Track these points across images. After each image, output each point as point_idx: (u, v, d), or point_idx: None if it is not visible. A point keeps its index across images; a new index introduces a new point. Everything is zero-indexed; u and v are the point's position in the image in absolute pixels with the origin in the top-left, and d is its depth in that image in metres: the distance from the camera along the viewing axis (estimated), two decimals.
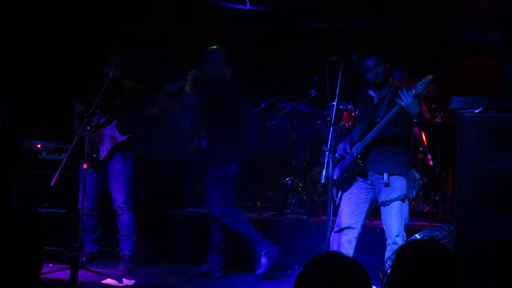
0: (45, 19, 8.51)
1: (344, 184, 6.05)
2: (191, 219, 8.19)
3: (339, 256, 2.60)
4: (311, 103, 8.92)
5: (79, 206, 6.83)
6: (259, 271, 6.99)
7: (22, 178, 7.68)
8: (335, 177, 5.99)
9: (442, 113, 8.41)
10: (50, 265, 6.50)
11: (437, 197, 8.32)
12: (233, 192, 7.08)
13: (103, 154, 7.09)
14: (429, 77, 5.56)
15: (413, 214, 8.01)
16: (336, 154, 5.98)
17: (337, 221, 5.99)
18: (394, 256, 2.97)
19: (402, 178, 5.85)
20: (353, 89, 6.36)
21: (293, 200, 8.65)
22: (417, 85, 5.55)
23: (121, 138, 7.10)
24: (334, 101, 5.90)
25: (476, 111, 4.91)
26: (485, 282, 4.51)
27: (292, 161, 8.94)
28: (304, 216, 8.12)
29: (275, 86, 7.75)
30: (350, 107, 8.06)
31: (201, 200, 9.50)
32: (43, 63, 8.65)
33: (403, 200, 5.82)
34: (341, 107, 8.04)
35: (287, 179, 8.63)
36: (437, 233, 6.03)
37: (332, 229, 5.88)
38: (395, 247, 5.71)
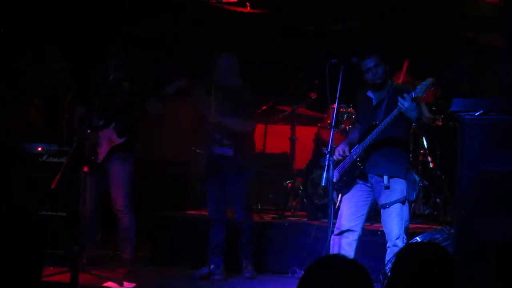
0: (45, 19, 8.51)
1: (344, 187, 6.04)
2: (191, 222, 8.18)
3: (341, 258, 2.61)
4: (311, 106, 8.92)
5: (80, 208, 6.88)
6: (251, 275, 7.17)
7: (22, 179, 7.68)
8: (334, 180, 5.99)
9: (442, 116, 8.40)
10: (51, 268, 6.49)
11: (438, 200, 8.31)
12: None
13: (101, 157, 7.08)
14: (430, 80, 5.55)
15: (414, 216, 8.01)
16: (335, 156, 5.97)
17: (337, 223, 5.99)
18: (394, 259, 2.97)
19: (402, 180, 5.84)
20: (354, 92, 6.35)
21: (294, 203, 8.65)
22: (417, 88, 5.54)
23: (118, 141, 7.08)
24: (334, 103, 5.90)
25: (476, 114, 4.91)
26: (486, 284, 4.51)
27: (293, 163, 8.94)
28: (305, 219, 8.11)
29: (276, 88, 7.75)
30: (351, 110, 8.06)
31: (201, 203, 9.53)
32: (43, 64, 8.66)
33: (403, 203, 5.82)
34: (342, 109, 8.04)
35: (287, 181, 8.63)
36: (438, 235, 6.03)
37: (332, 231, 5.88)
38: (396, 249, 5.70)
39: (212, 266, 7.12)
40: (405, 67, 8.24)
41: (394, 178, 5.85)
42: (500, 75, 6.57)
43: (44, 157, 7.70)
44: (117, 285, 6.39)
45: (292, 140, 9.01)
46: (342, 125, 8.08)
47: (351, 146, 6.08)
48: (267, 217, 8.27)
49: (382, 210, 5.90)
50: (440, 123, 8.46)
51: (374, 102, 6.02)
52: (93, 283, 6.39)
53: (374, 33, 8.93)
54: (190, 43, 9.20)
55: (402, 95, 5.58)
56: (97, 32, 8.72)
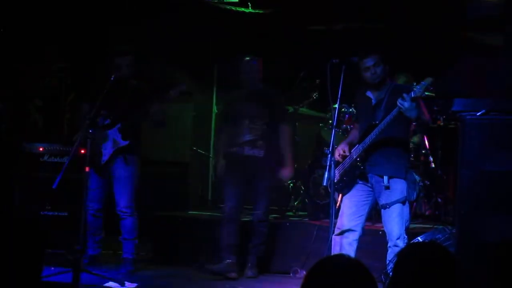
0: (45, 19, 8.51)
1: (345, 187, 6.04)
2: (192, 222, 8.19)
3: (345, 259, 2.61)
4: (313, 106, 8.92)
5: (83, 207, 6.90)
6: (253, 274, 7.23)
7: (23, 180, 7.68)
8: (334, 180, 6.00)
9: (443, 116, 8.40)
10: (52, 268, 6.50)
11: (439, 200, 8.31)
12: None
13: (105, 158, 7.08)
14: (429, 80, 5.54)
15: (415, 216, 8.02)
16: (335, 156, 5.97)
17: (338, 223, 5.99)
18: (395, 258, 2.97)
19: (402, 180, 5.84)
20: (355, 92, 6.35)
21: (295, 203, 8.65)
22: (416, 88, 5.53)
23: (122, 143, 7.07)
24: (336, 103, 5.90)
25: (477, 114, 4.91)
26: (487, 284, 4.51)
27: (294, 163, 8.94)
28: (306, 219, 8.11)
29: (277, 88, 7.73)
30: (352, 110, 8.06)
31: (202, 202, 9.55)
32: (43, 64, 8.66)
33: (403, 203, 5.82)
34: (343, 109, 8.04)
35: (289, 181, 8.63)
36: (439, 235, 6.03)
37: (333, 231, 5.88)
38: (397, 249, 5.72)
39: (228, 261, 7.12)
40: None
41: (394, 178, 5.85)
42: (500, 75, 6.56)
43: (45, 157, 7.70)
44: (119, 285, 6.38)
45: (294, 140, 9.00)
46: (344, 125, 8.08)
47: (351, 146, 6.09)
48: (269, 217, 8.26)
49: (382, 210, 5.90)
50: (441, 123, 8.46)
51: (374, 102, 6.01)
52: (94, 283, 6.39)
53: (374, 33, 8.93)
54: (190, 43, 9.19)
55: (402, 94, 5.58)
56: (97, 32, 8.71)
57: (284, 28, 9.40)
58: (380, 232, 6.51)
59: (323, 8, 8.89)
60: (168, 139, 9.07)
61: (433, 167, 8.38)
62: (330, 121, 8.15)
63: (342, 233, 5.96)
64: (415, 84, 5.71)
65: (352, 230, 5.96)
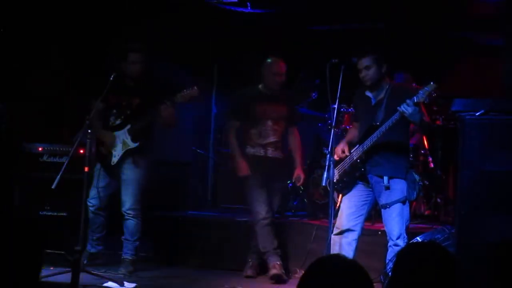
0: (46, 19, 8.51)
1: (345, 188, 6.04)
2: (192, 222, 8.19)
3: (341, 259, 2.61)
4: (312, 106, 8.92)
5: (88, 203, 6.98)
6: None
7: (23, 179, 7.68)
8: (334, 180, 6.01)
9: (443, 116, 8.41)
10: (52, 268, 6.50)
11: (438, 200, 8.31)
12: None
13: (115, 159, 7.05)
14: (432, 86, 5.52)
15: (414, 216, 8.02)
16: (334, 156, 5.98)
17: (337, 223, 5.99)
18: (395, 258, 2.97)
19: (402, 180, 5.85)
20: (354, 91, 6.35)
21: (295, 203, 8.64)
22: (419, 93, 5.52)
23: (132, 145, 7.05)
24: (335, 103, 5.90)
25: (477, 114, 4.91)
26: (486, 284, 4.51)
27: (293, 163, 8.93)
28: (305, 219, 8.11)
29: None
30: (351, 110, 8.05)
31: (202, 203, 9.54)
32: (43, 64, 8.66)
33: (403, 202, 5.83)
34: (342, 109, 8.04)
35: (288, 181, 8.62)
36: (438, 235, 6.03)
37: (332, 231, 5.88)
38: (397, 249, 5.72)
39: (277, 263, 7.12)
40: None
41: (394, 179, 5.85)
42: (501, 75, 6.56)
43: (45, 157, 7.70)
44: (118, 285, 6.38)
45: None
46: (342, 125, 8.09)
47: (350, 145, 6.09)
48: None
49: (382, 210, 5.91)
50: (441, 123, 8.46)
51: (373, 102, 6.01)
52: (94, 283, 6.39)
53: (374, 33, 8.93)
54: (190, 43, 9.19)
55: (402, 96, 5.58)
56: (99, 32, 8.71)
57: (283, 28, 9.40)
58: (380, 232, 6.51)
59: (322, 8, 8.88)
60: (168, 139, 9.05)
61: (432, 167, 8.38)
62: (329, 121, 8.15)
63: (341, 233, 5.96)
64: (414, 84, 5.72)
65: (351, 230, 5.97)
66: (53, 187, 6.17)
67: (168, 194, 8.76)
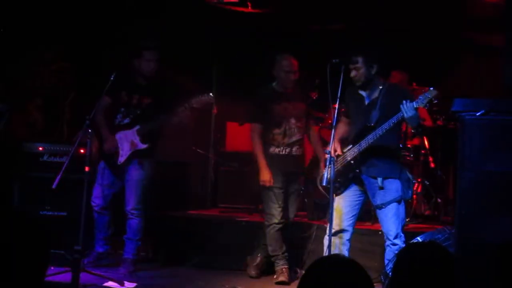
0: (46, 19, 8.51)
1: (339, 188, 6.02)
2: (192, 222, 8.19)
3: (341, 259, 2.61)
4: (312, 106, 8.90)
5: (92, 203, 7.04)
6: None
7: (23, 179, 7.68)
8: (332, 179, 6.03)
9: (443, 116, 8.41)
10: (52, 268, 6.48)
11: (439, 200, 8.32)
12: None
13: (121, 159, 7.04)
14: (433, 92, 5.52)
15: (415, 216, 8.03)
16: (327, 156, 5.98)
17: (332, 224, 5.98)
18: (395, 259, 2.97)
19: (397, 180, 5.86)
20: (346, 89, 6.33)
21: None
22: (419, 98, 5.52)
23: (141, 146, 7.03)
24: (335, 103, 5.89)
25: (477, 114, 4.91)
26: (487, 285, 4.51)
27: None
28: (305, 219, 8.10)
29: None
30: None
31: (202, 203, 9.53)
32: (43, 64, 8.66)
33: (399, 202, 5.84)
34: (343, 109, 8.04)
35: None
36: (439, 235, 6.03)
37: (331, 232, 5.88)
38: (395, 248, 5.76)
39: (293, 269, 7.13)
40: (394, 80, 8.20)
41: (389, 179, 5.87)
42: (501, 76, 6.56)
43: (45, 157, 7.70)
44: (118, 285, 6.38)
45: None
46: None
47: (342, 144, 6.05)
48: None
49: (378, 210, 5.92)
50: (441, 123, 8.47)
51: (367, 101, 6.00)
52: (94, 283, 6.39)
53: (373, 34, 8.92)
54: (190, 43, 9.19)
55: (398, 97, 5.60)
56: (98, 31, 8.71)
57: (283, 28, 9.39)
58: (380, 233, 6.50)
59: (322, 8, 8.88)
60: (168, 139, 9.05)
61: (433, 167, 8.38)
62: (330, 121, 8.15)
63: (336, 233, 5.95)
64: (414, 84, 5.72)
65: (345, 230, 5.99)
66: (53, 187, 6.18)
67: (168, 194, 8.76)
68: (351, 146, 5.96)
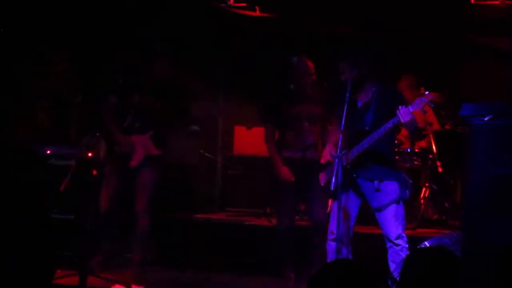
0: (52, 19, 8.53)
1: (335, 193, 5.95)
2: (199, 225, 8.19)
3: (348, 263, 2.61)
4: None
5: (100, 206, 7.01)
6: None
7: (30, 182, 7.69)
8: (321, 184, 6.07)
9: (451, 120, 8.40)
10: (59, 271, 6.49)
11: (446, 204, 8.30)
12: None
13: (134, 163, 7.05)
14: (430, 96, 5.52)
15: (422, 221, 8.01)
16: (322, 160, 5.97)
17: (331, 229, 5.96)
18: (403, 263, 2.96)
19: (393, 182, 5.85)
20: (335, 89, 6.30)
21: (302, 207, 8.62)
22: (415, 102, 5.51)
23: (155, 152, 7.06)
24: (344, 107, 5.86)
25: (486, 118, 4.89)
26: None
27: None
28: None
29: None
30: None
31: (208, 205, 9.53)
32: (50, 65, 8.67)
33: (397, 203, 5.82)
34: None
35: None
36: (447, 240, 6.02)
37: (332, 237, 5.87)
38: (397, 248, 5.78)
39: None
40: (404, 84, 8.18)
41: (385, 181, 5.85)
42: (506, 78, 6.57)
43: (53, 160, 7.71)
44: None
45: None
46: None
47: (336, 146, 5.98)
48: (276, 221, 8.24)
49: (376, 213, 5.90)
50: (449, 128, 8.45)
51: (359, 104, 5.98)
52: (101, 286, 6.39)
53: (379, 35, 8.91)
54: (196, 45, 9.20)
55: (392, 101, 5.62)
56: (105, 33, 8.72)
57: (292, 31, 9.39)
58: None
59: (329, 12, 8.87)
60: (175, 142, 9.05)
61: (440, 172, 8.35)
62: None
63: (337, 238, 5.90)
64: (422, 89, 5.70)
65: (347, 234, 5.95)
66: (61, 189, 6.19)
67: (176, 197, 8.76)
68: (346, 150, 5.89)
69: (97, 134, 6.44)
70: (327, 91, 7.09)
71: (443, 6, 8.47)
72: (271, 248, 7.27)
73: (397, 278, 5.47)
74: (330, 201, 6.08)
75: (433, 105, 5.68)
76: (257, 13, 9.20)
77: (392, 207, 5.82)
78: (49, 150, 7.73)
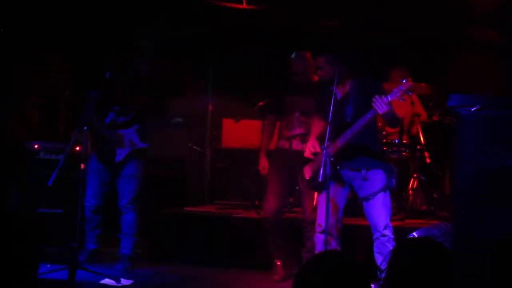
0: (46, 19, 8.50)
1: (320, 186, 5.95)
2: (190, 219, 8.19)
3: (337, 255, 2.61)
4: None
5: (86, 203, 6.98)
6: None
7: (18, 176, 7.67)
8: (307, 177, 6.05)
9: (439, 111, 8.42)
10: (48, 265, 6.49)
11: (435, 195, 8.32)
12: None
13: (120, 157, 7.03)
14: (407, 84, 5.53)
15: (411, 212, 8.03)
16: (305, 154, 5.96)
17: (318, 221, 5.97)
18: (391, 254, 2.97)
19: (380, 170, 5.87)
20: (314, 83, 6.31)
21: (290, 199, 8.62)
22: (393, 91, 5.51)
23: (141, 145, 7.06)
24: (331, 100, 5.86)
25: (473, 109, 4.91)
26: (483, 280, 4.51)
27: None
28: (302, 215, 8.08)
29: (273, 85, 7.73)
30: None
31: (200, 199, 9.53)
32: (42, 64, 8.65)
33: (384, 191, 5.83)
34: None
35: None
36: (435, 231, 6.03)
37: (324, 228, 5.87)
38: (384, 239, 5.77)
39: (278, 263, 7.04)
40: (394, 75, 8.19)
41: (372, 170, 5.87)
42: (499, 72, 6.59)
43: (41, 154, 7.69)
44: (115, 282, 6.38)
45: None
46: None
47: (320, 140, 5.99)
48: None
49: (364, 202, 5.90)
50: (437, 119, 8.47)
51: (339, 96, 5.98)
52: (90, 280, 6.39)
53: (370, 30, 8.92)
54: (185, 39, 9.18)
55: (370, 92, 5.58)
56: (98, 32, 8.70)
57: (279, 24, 9.39)
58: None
59: (318, 5, 8.87)
60: (165, 136, 9.05)
61: (429, 163, 8.37)
62: None
63: (324, 230, 5.91)
64: (409, 79, 5.69)
65: (334, 226, 5.95)
66: (49, 184, 6.17)
67: (165, 191, 8.76)
68: (328, 143, 5.87)
69: (85, 128, 6.41)
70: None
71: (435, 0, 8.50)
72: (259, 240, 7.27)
73: (384, 270, 5.49)
74: (316, 194, 6.11)
75: (410, 93, 5.66)
76: (244, 5, 9.17)
77: (380, 196, 5.84)
78: (37, 144, 7.70)
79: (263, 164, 7.17)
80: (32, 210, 7.48)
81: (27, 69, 8.56)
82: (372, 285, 5.49)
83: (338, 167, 5.91)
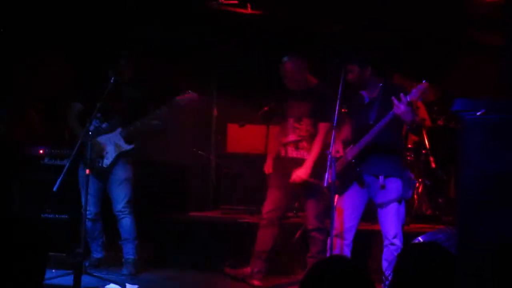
0: (47, 22, 8.51)
1: (341, 188, 5.99)
2: (193, 223, 8.18)
3: (343, 260, 2.61)
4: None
5: (83, 212, 6.82)
6: None
7: (23, 182, 7.68)
8: (325, 184, 6.00)
9: (444, 116, 8.41)
10: (53, 270, 6.50)
11: (440, 200, 8.31)
12: None
13: (107, 162, 7.06)
14: (424, 84, 5.54)
15: (416, 216, 8.02)
16: (329, 157, 5.97)
17: (334, 225, 5.96)
18: (396, 260, 2.96)
19: (398, 179, 5.86)
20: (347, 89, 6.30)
21: (296, 204, 8.62)
22: (412, 92, 5.53)
23: (126, 148, 7.07)
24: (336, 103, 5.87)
25: (478, 113, 4.90)
26: (489, 286, 4.49)
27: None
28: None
29: (277, 89, 7.71)
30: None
31: (203, 204, 9.53)
32: (44, 67, 8.66)
33: (399, 202, 5.83)
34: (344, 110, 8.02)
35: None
36: (440, 235, 6.02)
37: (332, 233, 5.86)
38: (393, 248, 5.77)
39: (255, 270, 6.93)
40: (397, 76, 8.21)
41: (390, 178, 5.86)
42: (500, 74, 6.56)
43: (46, 160, 7.70)
44: (120, 287, 6.38)
45: None
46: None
47: (344, 144, 6.07)
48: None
49: (379, 209, 5.91)
50: (442, 123, 8.47)
51: (366, 100, 6.00)
52: (95, 286, 6.39)
53: (374, 33, 8.92)
54: (190, 43, 9.19)
55: (397, 96, 5.57)
56: (100, 36, 8.71)
57: (284, 29, 9.39)
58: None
59: (323, 9, 8.87)
60: (169, 140, 9.05)
61: (433, 167, 8.37)
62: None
63: (339, 234, 5.94)
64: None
65: (349, 231, 5.96)
66: (54, 189, 6.18)
67: (169, 196, 8.76)
68: (351, 146, 5.96)
69: (90, 133, 6.43)
70: (325, 91, 6.93)
71: (437, 2, 8.49)
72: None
73: (389, 276, 5.49)
74: (336, 197, 6.06)
75: (427, 92, 5.69)
76: (249, 10, 9.18)
77: (394, 205, 5.83)
78: (42, 150, 7.71)
79: (269, 166, 7.13)
80: (37, 215, 7.48)
81: (27, 70, 8.57)
82: None
83: (358, 169, 5.91)
